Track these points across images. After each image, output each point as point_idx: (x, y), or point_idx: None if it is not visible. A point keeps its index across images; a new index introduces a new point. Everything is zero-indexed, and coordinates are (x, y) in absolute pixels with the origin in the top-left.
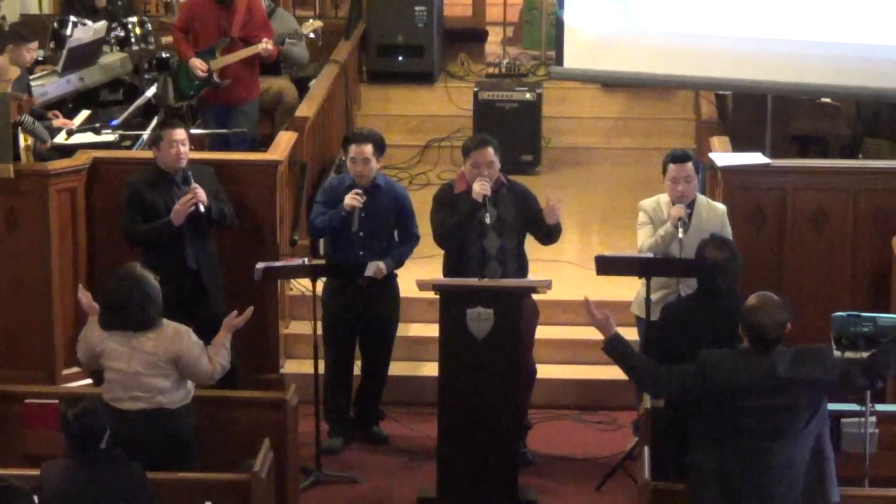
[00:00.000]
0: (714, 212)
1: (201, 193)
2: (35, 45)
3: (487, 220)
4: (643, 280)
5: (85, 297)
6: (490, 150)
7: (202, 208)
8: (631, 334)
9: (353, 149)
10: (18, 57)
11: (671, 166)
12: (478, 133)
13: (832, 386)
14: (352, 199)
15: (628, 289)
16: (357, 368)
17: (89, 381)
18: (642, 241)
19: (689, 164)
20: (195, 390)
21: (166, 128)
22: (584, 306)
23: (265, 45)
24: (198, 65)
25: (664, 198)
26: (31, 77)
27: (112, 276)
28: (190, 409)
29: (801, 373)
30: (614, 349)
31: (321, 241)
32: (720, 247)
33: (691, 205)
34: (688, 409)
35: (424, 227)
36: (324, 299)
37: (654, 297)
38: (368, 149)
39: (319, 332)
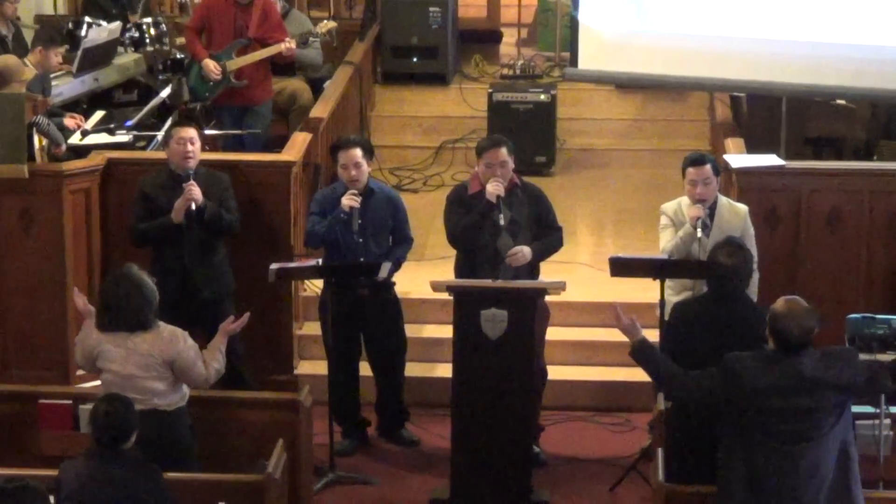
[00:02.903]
0: (735, 213)
1: (196, 192)
2: (63, 49)
3: (502, 222)
4: (667, 283)
5: (80, 299)
6: (503, 150)
7: (193, 206)
8: (653, 336)
9: (342, 156)
10: (46, 59)
11: (689, 169)
12: (492, 134)
13: (859, 388)
14: (349, 200)
15: (643, 291)
16: (364, 370)
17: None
18: (664, 244)
19: (708, 167)
20: (208, 391)
21: (176, 126)
22: (612, 311)
23: (288, 45)
24: (211, 67)
25: (685, 200)
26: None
27: (109, 278)
28: (185, 411)
29: (827, 374)
30: (641, 353)
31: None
32: (731, 252)
33: (713, 206)
34: (705, 412)
35: (438, 227)
36: (322, 304)
37: (677, 299)
38: (357, 153)
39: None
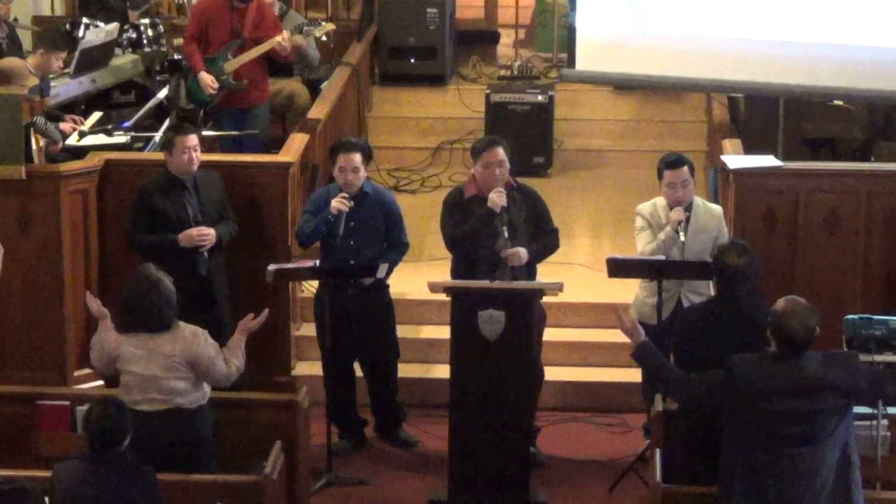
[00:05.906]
0: (711, 214)
1: (211, 240)
2: (64, 54)
3: (505, 234)
4: (642, 284)
5: (94, 302)
6: (500, 150)
7: (206, 254)
8: None
9: (341, 158)
10: (47, 63)
11: (666, 172)
12: (489, 135)
13: (860, 392)
14: (338, 203)
15: (616, 292)
16: (358, 370)
17: (101, 382)
18: (642, 246)
19: (685, 168)
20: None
21: (179, 133)
22: (616, 313)
23: (284, 38)
24: (208, 81)
25: (661, 201)
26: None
27: (130, 279)
28: (206, 409)
29: (829, 376)
30: (644, 356)
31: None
32: (739, 253)
33: (689, 207)
34: (704, 414)
35: (435, 228)
36: (316, 305)
37: (653, 300)
38: (357, 157)
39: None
